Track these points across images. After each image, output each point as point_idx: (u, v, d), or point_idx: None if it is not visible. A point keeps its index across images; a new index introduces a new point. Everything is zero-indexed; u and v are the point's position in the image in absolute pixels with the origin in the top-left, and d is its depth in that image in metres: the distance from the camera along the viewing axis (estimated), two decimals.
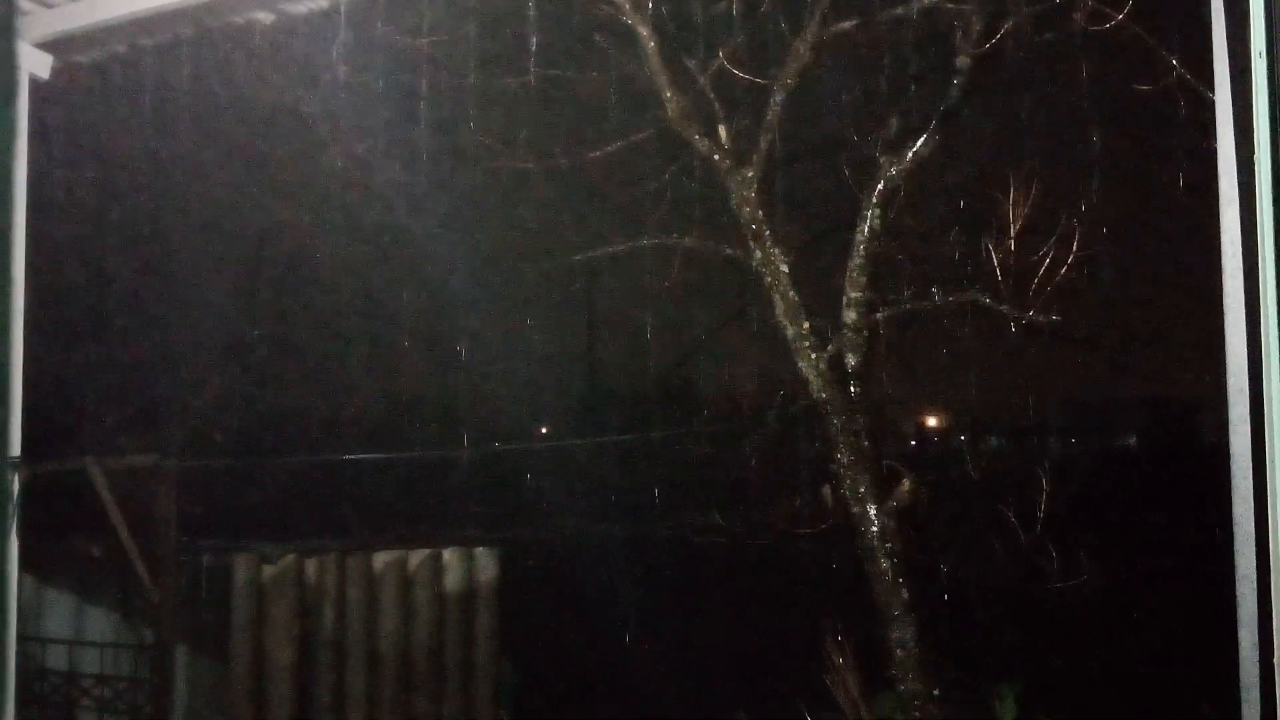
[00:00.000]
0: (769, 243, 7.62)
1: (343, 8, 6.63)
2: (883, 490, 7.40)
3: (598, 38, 8.24)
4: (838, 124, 8.27)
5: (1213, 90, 3.61)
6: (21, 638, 9.31)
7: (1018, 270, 7.51)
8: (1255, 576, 3.38)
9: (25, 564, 7.28)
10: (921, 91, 7.73)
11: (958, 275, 7.92)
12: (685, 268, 8.64)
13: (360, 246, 11.95)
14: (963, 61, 7.41)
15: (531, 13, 8.20)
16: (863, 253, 7.55)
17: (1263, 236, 3.17)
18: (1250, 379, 3.41)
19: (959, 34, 7.42)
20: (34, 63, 6.25)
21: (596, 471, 13.14)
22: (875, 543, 7.28)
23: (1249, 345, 3.41)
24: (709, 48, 7.88)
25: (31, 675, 9.79)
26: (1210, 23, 3.63)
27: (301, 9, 6.31)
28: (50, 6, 6.22)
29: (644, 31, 7.72)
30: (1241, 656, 3.44)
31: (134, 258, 11.70)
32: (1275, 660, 3.16)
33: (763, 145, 7.65)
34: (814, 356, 7.50)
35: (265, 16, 6.33)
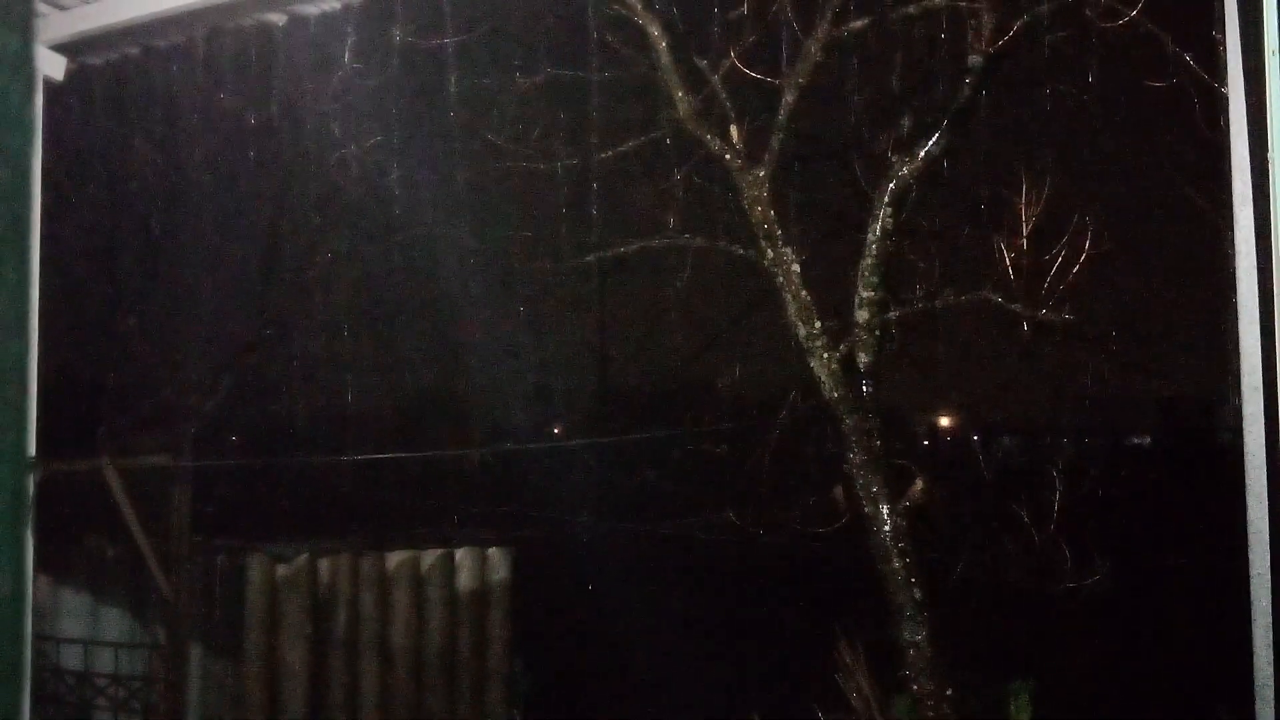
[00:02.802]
0: (780, 242, 7.61)
1: (355, 9, 6.64)
2: (895, 489, 7.39)
3: (609, 38, 8.25)
4: (849, 123, 8.26)
5: (1227, 87, 3.61)
6: (37, 637, 9.36)
7: (1030, 269, 7.49)
8: (1269, 575, 3.38)
9: (40, 564, 7.32)
10: (933, 90, 7.72)
11: (970, 274, 7.91)
12: (697, 268, 8.64)
13: (372, 246, 11.97)
14: (975, 60, 7.40)
15: (543, 13, 8.21)
16: (874, 252, 7.54)
17: (1276, 235, 3.17)
18: (1264, 377, 3.40)
19: (971, 32, 7.40)
20: (48, 64, 6.28)
21: (608, 471, 13.15)
22: (888, 542, 7.27)
23: (1263, 343, 3.40)
24: (720, 47, 7.88)
25: (46, 674, 9.83)
26: (1224, 20, 3.62)
27: (314, 10, 6.32)
28: (64, 9, 6.25)
29: (655, 31, 7.73)
30: (1255, 655, 3.43)
31: (146, 258, 11.74)
32: None
33: (774, 144, 7.64)
34: (826, 356, 7.50)
35: (278, 18, 6.35)
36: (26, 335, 0.98)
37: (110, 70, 7.00)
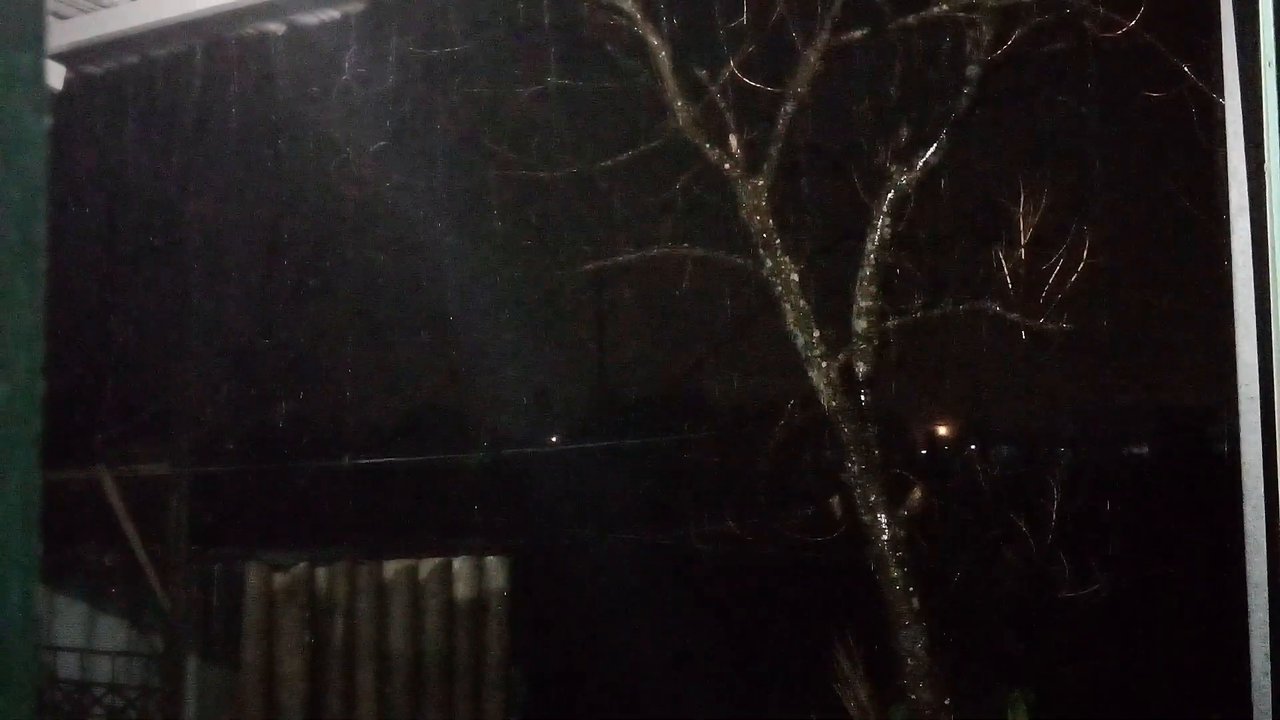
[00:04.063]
0: (779, 251, 7.62)
1: (354, 19, 6.66)
2: (893, 499, 7.39)
3: (609, 47, 8.27)
4: (848, 133, 8.28)
5: (1223, 98, 3.62)
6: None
7: (1028, 279, 7.51)
8: (1266, 585, 3.38)
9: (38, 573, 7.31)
10: (932, 100, 7.74)
11: (968, 284, 7.92)
12: (696, 277, 8.65)
13: (371, 255, 11.98)
14: (973, 70, 7.42)
15: (543, 23, 8.23)
16: (873, 261, 7.56)
17: (1273, 245, 3.18)
18: (1261, 387, 3.41)
19: (970, 43, 7.42)
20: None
21: (606, 479, 13.14)
22: (886, 551, 7.28)
23: (1260, 353, 3.41)
24: (720, 57, 7.89)
25: (44, 683, 9.81)
26: (1221, 31, 3.63)
27: (313, 20, 6.34)
28: (64, 18, 6.26)
29: (655, 41, 7.75)
30: (1253, 666, 3.44)
31: (145, 267, 11.75)
32: None
33: (773, 154, 7.66)
34: (824, 365, 7.51)
35: (277, 28, 6.36)
36: (39, 351, 0.98)
37: (110, 80, 7.01)
